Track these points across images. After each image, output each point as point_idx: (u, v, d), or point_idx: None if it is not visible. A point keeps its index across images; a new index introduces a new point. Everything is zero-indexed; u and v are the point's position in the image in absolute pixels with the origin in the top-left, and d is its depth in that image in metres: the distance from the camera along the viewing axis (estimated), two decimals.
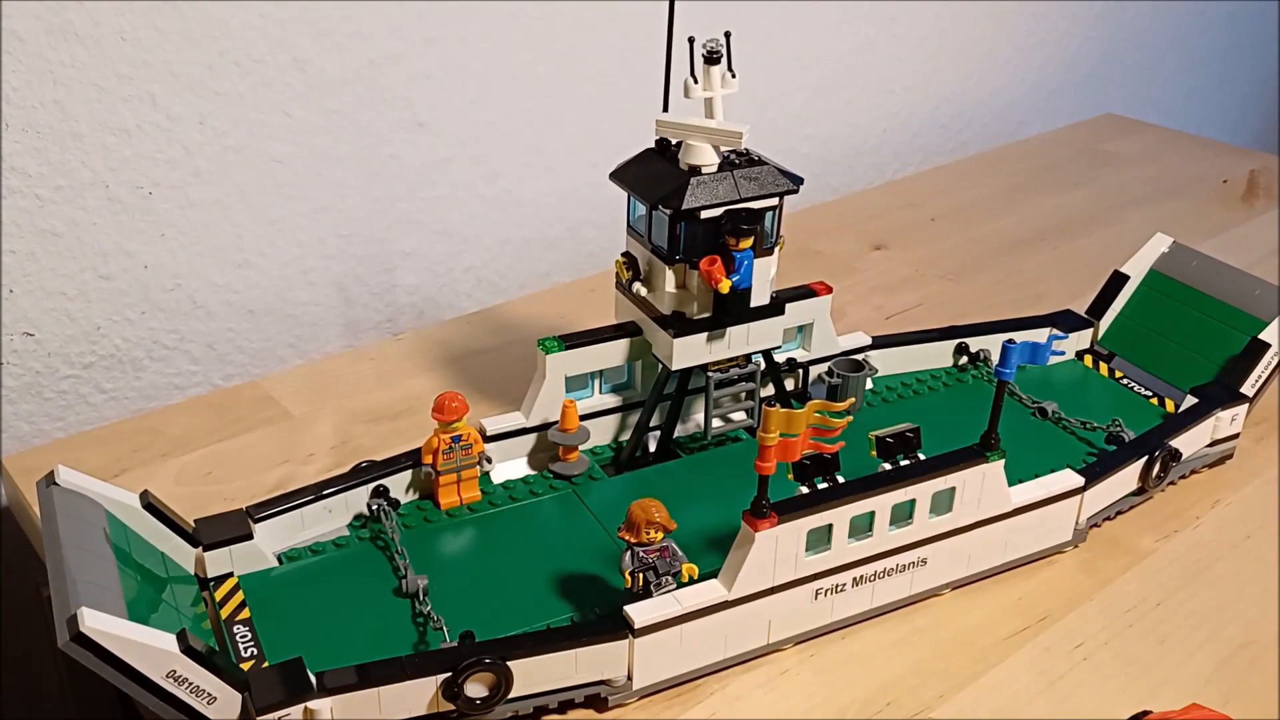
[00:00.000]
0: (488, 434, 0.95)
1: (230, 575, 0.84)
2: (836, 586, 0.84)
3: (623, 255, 0.96)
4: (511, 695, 0.75)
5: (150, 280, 1.15)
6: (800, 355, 1.07)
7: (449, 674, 0.73)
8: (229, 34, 1.11)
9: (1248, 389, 1.06)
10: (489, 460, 0.95)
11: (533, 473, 0.98)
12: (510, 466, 0.97)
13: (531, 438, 0.97)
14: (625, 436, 1.01)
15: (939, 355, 1.14)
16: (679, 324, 0.93)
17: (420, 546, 0.88)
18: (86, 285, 1.11)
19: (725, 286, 0.89)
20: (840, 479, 0.84)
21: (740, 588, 0.79)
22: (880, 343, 1.11)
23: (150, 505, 0.81)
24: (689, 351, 0.93)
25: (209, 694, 0.69)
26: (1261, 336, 1.07)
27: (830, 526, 0.81)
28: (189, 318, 1.19)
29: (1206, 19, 2.40)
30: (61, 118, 1.04)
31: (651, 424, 0.99)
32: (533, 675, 0.76)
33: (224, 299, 1.21)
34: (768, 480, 0.77)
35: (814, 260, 1.46)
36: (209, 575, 0.83)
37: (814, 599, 0.84)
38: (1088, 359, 1.17)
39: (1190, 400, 1.04)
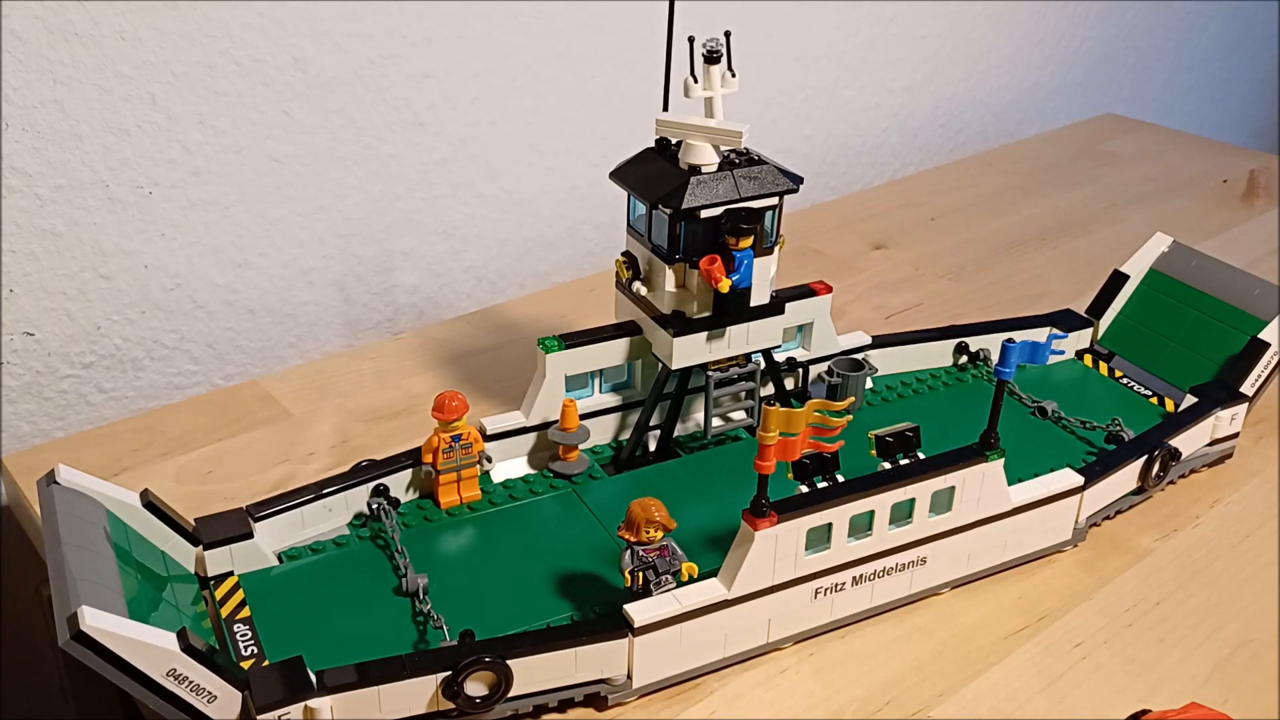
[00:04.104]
0: (488, 433, 0.95)
1: (230, 574, 0.84)
2: (836, 585, 0.84)
3: (623, 255, 0.96)
4: (511, 694, 0.75)
5: (150, 280, 1.15)
6: (800, 354, 1.07)
7: (449, 673, 0.73)
8: (229, 34, 1.11)
9: (1247, 388, 1.06)
10: (489, 459, 0.95)
11: (533, 472, 0.98)
12: (510, 465, 0.97)
13: (531, 437, 0.97)
14: (625, 436, 1.01)
15: (939, 355, 1.14)
16: (679, 323, 0.93)
17: (420, 545, 0.88)
18: (86, 285, 1.11)
19: (725, 286, 0.89)
20: (840, 478, 0.84)
21: (740, 587, 0.80)
22: (880, 342, 1.11)
23: (150, 504, 0.81)
24: (689, 351, 0.94)
25: (209, 692, 0.69)
26: (1261, 336, 1.07)
27: (830, 525, 0.81)
28: (189, 317, 1.19)
29: (1206, 19, 2.40)
30: (61, 118, 1.04)
31: (651, 423, 0.99)
32: (532, 674, 0.76)
33: (224, 299, 1.21)
34: (767, 479, 0.77)
35: (814, 260, 1.46)
36: (209, 574, 0.83)
37: (813, 598, 0.84)
38: (1087, 358, 1.17)
39: (1190, 400, 1.04)
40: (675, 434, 1.01)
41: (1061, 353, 1.17)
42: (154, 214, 1.13)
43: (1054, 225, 1.59)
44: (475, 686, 0.74)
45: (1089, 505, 0.95)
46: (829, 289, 1.05)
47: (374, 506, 0.90)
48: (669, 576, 0.79)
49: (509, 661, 0.74)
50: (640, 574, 0.79)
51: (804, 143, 1.71)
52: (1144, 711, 0.75)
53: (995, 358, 1.14)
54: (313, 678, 0.71)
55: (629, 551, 0.79)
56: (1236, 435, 1.06)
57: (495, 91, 1.33)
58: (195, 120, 1.12)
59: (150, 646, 0.66)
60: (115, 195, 1.10)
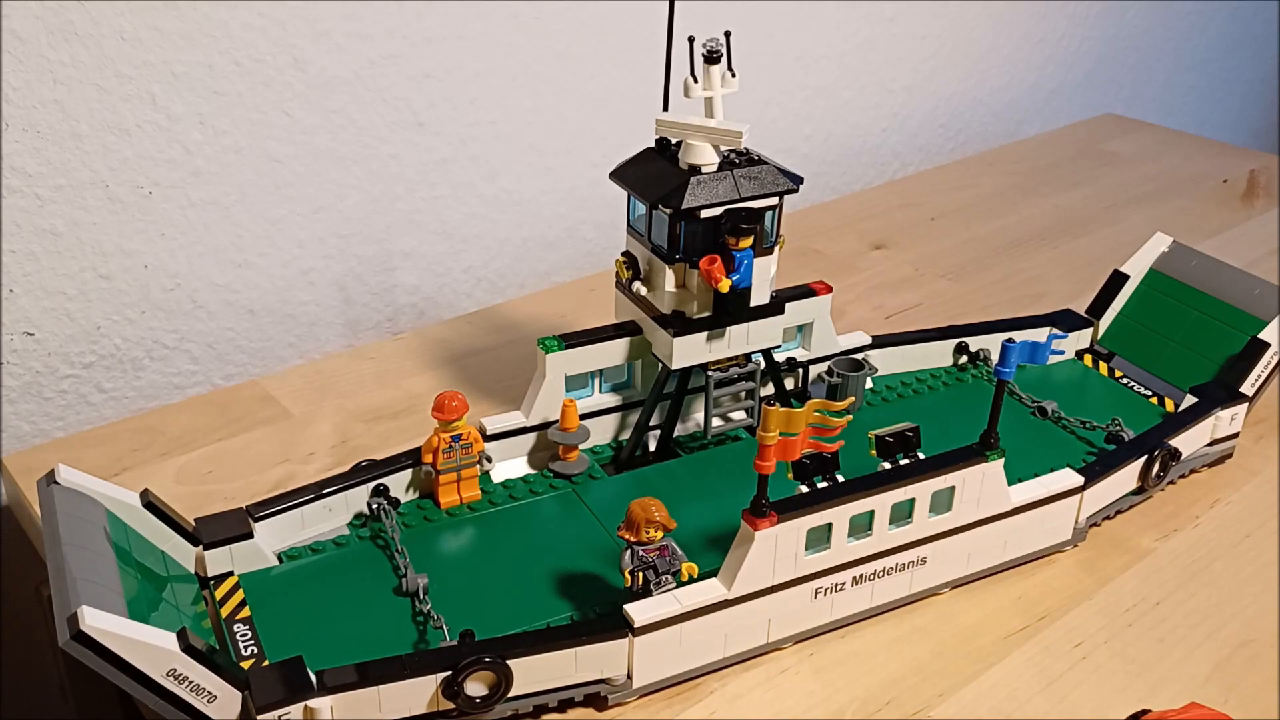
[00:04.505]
0: (488, 433, 0.95)
1: (230, 574, 0.84)
2: (836, 585, 0.84)
3: (623, 255, 0.96)
4: (511, 694, 0.75)
5: (150, 280, 1.15)
6: (800, 354, 1.07)
7: (449, 673, 0.73)
8: (229, 34, 1.11)
9: (1247, 388, 1.06)
10: (489, 459, 0.95)
11: (533, 472, 0.98)
12: (510, 465, 0.97)
13: (531, 437, 0.97)
14: (625, 436, 1.01)
15: (939, 355, 1.14)
16: (679, 323, 0.93)
17: (420, 545, 0.88)
18: (86, 285, 1.11)
19: (725, 286, 0.89)
20: (840, 478, 0.85)
21: (740, 587, 0.80)
22: (880, 342, 1.11)
23: (150, 504, 0.81)
24: (689, 351, 0.93)
25: (209, 692, 0.69)
26: (1261, 336, 1.07)
27: (830, 525, 0.81)
28: (189, 317, 1.19)
29: (1206, 19, 2.40)
30: (61, 118, 1.04)
31: (651, 423, 0.99)
32: (532, 674, 0.76)
33: (224, 299, 1.21)
34: (767, 479, 0.77)
35: (814, 260, 1.46)
36: (209, 574, 0.83)
37: (813, 598, 0.84)
38: (1087, 358, 1.17)
39: (1190, 400, 1.04)
40: (675, 434, 1.01)
41: (1061, 353, 1.17)
42: (154, 214, 1.13)
43: (1054, 225, 1.59)
44: (475, 686, 0.74)
45: (1089, 505, 0.95)
46: (829, 289, 1.05)
47: (374, 506, 0.90)
48: (669, 576, 0.79)
49: (509, 661, 0.74)
50: (640, 574, 0.79)
51: (804, 143, 1.71)
52: (1144, 711, 0.75)
53: (995, 358, 1.14)
54: (313, 678, 0.71)
55: (629, 551, 0.79)
56: (1236, 435, 1.06)
57: (495, 91, 1.33)
58: (195, 120, 1.12)
59: (150, 646, 0.66)
60: (115, 195, 1.10)
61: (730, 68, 0.90)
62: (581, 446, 0.98)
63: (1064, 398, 1.07)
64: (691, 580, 0.80)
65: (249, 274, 1.21)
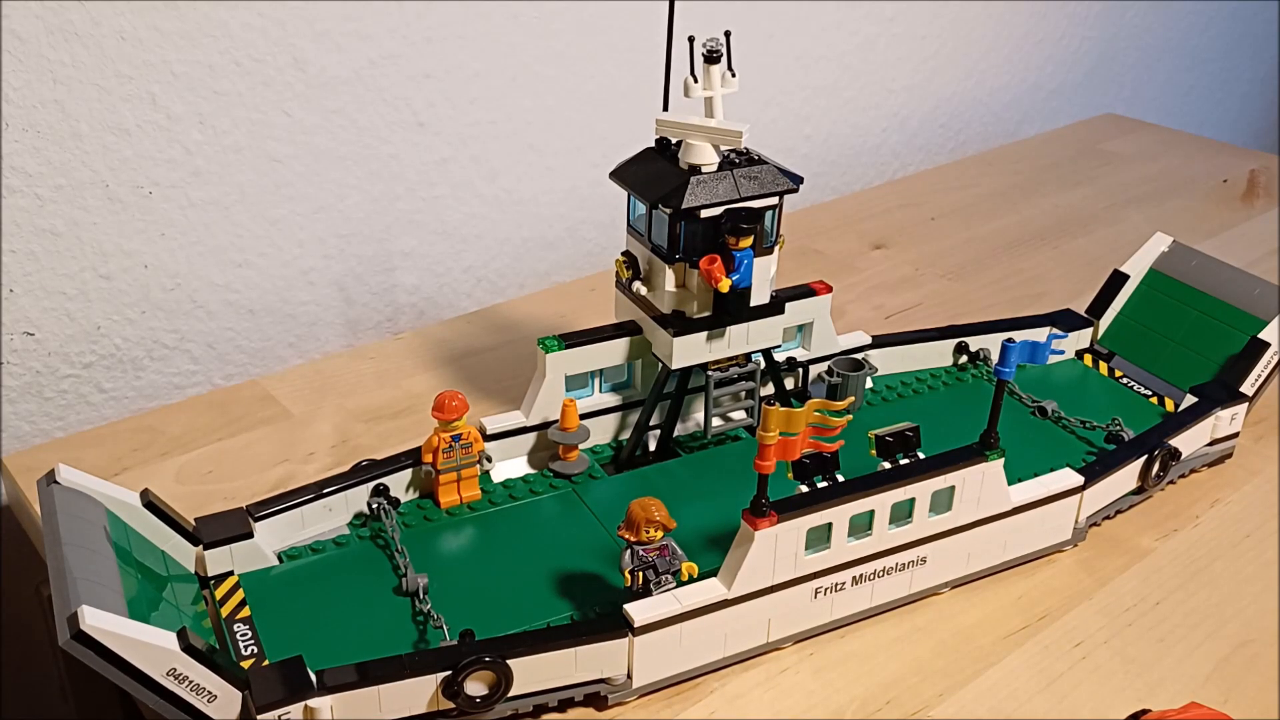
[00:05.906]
0: (488, 433, 0.95)
1: (230, 574, 0.84)
2: (836, 585, 0.84)
3: (623, 254, 0.96)
4: (511, 694, 0.75)
5: (150, 280, 1.15)
6: (800, 354, 1.07)
7: (449, 672, 0.73)
8: (229, 34, 1.11)
9: (1247, 388, 1.06)
10: (489, 459, 0.95)
11: (533, 471, 0.98)
12: (510, 465, 0.97)
13: (531, 436, 0.98)
14: (625, 435, 1.01)
15: (939, 354, 1.14)
16: (679, 323, 0.93)
17: (420, 545, 0.88)
18: (86, 285, 1.11)
19: (725, 285, 0.89)
20: (840, 478, 0.85)
21: (740, 586, 0.80)
22: (880, 342, 1.11)
23: (150, 504, 0.81)
24: (689, 350, 0.94)
25: (209, 692, 0.69)
26: (1261, 336, 1.07)
27: (830, 525, 0.81)
28: (189, 317, 1.19)
29: (1206, 19, 2.40)
30: (61, 118, 1.04)
31: (651, 423, 0.99)
32: (532, 674, 0.76)
33: (224, 299, 1.21)
34: (767, 479, 0.77)
35: (814, 260, 1.46)
36: (209, 574, 0.83)
37: (813, 598, 0.84)
38: (1087, 358, 1.17)
39: (1190, 399, 1.04)
40: (675, 434, 1.01)
41: (1061, 353, 1.17)
42: (154, 214, 1.13)
43: (1054, 225, 1.59)
44: (475, 686, 0.74)
45: (1089, 505, 0.95)
46: (829, 289, 1.05)
47: (374, 506, 0.90)
48: (669, 576, 0.79)
49: (509, 661, 0.74)
50: (640, 574, 0.79)
51: (804, 143, 1.71)
52: (1144, 711, 0.75)
53: (995, 358, 1.14)
54: (313, 677, 0.71)
55: (629, 551, 0.79)
56: (1236, 435, 1.06)
57: (495, 91, 1.33)
58: (195, 120, 1.12)
59: (150, 646, 0.66)
60: (115, 195, 1.10)
61: (730, 68, 0.90)
62: (581, 446, 0.98)
63: (1064, 398, 1.07)
64: (691, 580, 0.80)
65: (249, 274, 1.21)
